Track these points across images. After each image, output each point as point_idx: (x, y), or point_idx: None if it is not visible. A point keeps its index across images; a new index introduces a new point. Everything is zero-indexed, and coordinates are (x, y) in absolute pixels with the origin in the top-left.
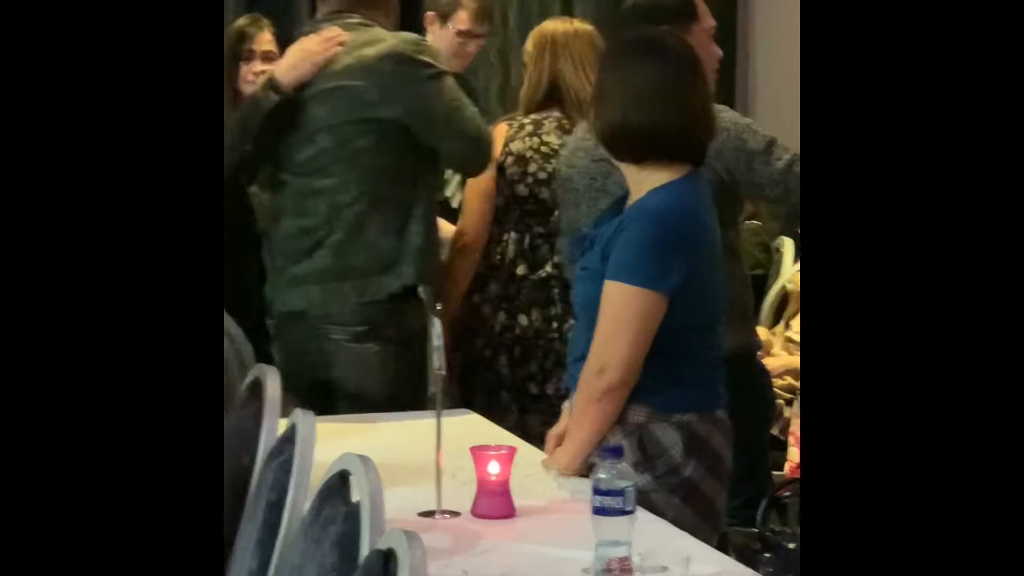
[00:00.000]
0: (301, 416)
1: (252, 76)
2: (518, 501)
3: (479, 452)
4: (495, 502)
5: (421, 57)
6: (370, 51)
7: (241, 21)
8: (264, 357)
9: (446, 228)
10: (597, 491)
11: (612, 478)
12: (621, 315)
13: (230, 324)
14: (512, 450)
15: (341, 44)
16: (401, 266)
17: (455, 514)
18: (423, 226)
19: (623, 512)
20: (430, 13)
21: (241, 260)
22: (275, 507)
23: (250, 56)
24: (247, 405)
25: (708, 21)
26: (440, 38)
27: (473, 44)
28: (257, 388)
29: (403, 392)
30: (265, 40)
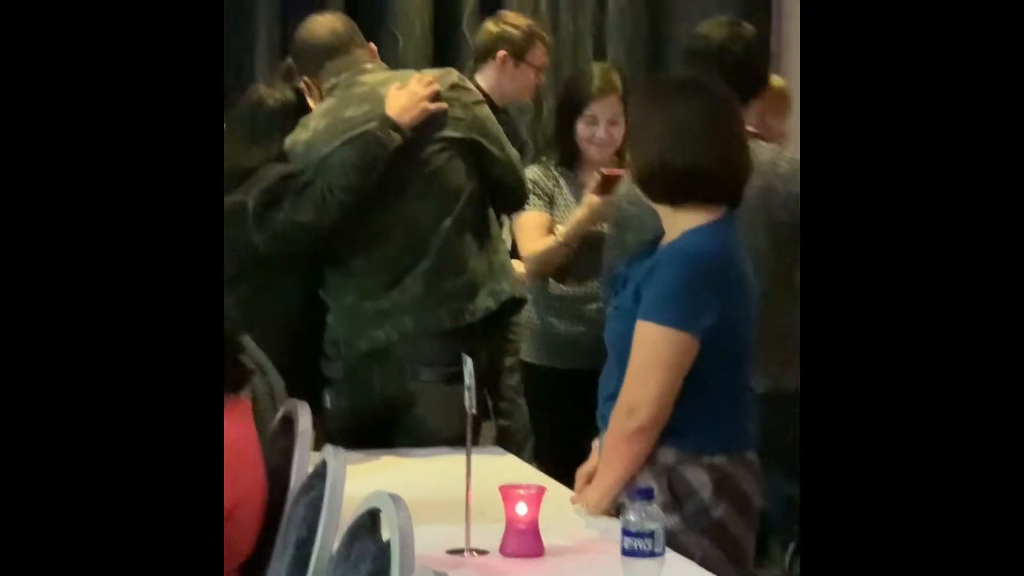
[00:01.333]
0: (332, 453)
1: None
2: (547, 540)
3: (508, 491)
4: (524, 541)
5: (468, 85)
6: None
7: (289, 60)
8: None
9: None
10: (627, 533)
11: (642, 520)
12: (653, 355)
13: (261, 357)
14: (541, 489)
15: (436, 87)
16: (492, 284)
17: (483, 552)
18: (501, 243)
19: (652, 554)
20: (502, 52)
21: (278, 295)
22: (305, 544)
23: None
24: (278, 440)
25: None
26: (512, 76)
27: (540, 76)
28: (288, 423)
29: (475, 428)
30: None
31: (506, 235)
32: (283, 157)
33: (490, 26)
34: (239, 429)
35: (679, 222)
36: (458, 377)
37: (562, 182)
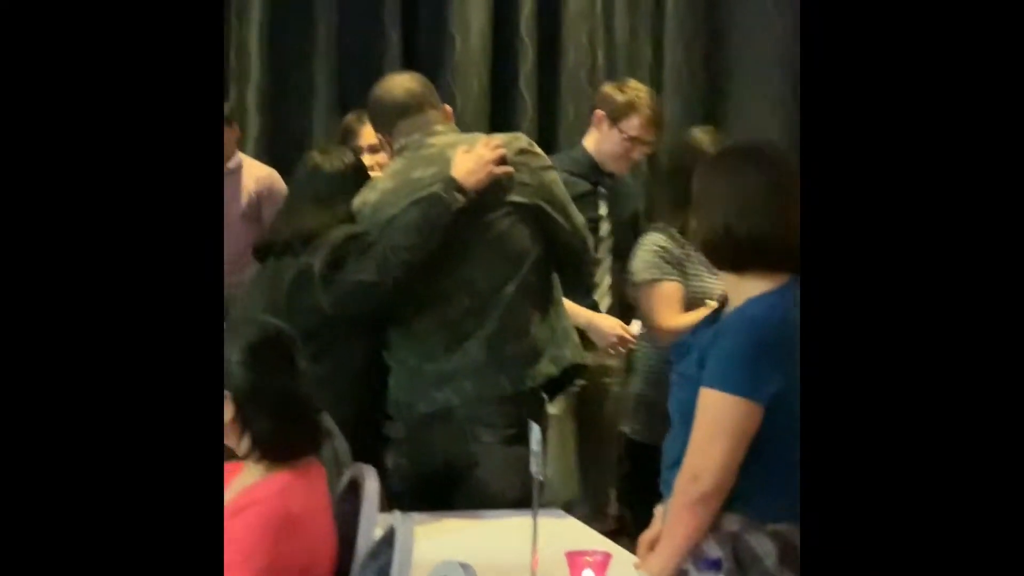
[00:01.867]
0: (400, 520)
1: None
2: None
3: (574, 557)
4: None
5: (536, 150)
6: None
7: (349, 117)
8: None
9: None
10: None
11: None
12: (717, 423)
13: (328, 422)
14: (607, 556)
15: (503, 151)
16: (554, 349)
17: None
18: (563, 308)
19: None
20: (600, 112)
21: (343, 356)
22: None
23: (359, 150)
24: (344, 504)
25: None
26: (606, 139)
27: (639, 151)
28: (354, 487)
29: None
30: (369, 134)
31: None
32: (351, 218)
33: (602, 88)
34: (315, 495)
35: (743, 289)
36: (518, 439)
37: (689, 249)
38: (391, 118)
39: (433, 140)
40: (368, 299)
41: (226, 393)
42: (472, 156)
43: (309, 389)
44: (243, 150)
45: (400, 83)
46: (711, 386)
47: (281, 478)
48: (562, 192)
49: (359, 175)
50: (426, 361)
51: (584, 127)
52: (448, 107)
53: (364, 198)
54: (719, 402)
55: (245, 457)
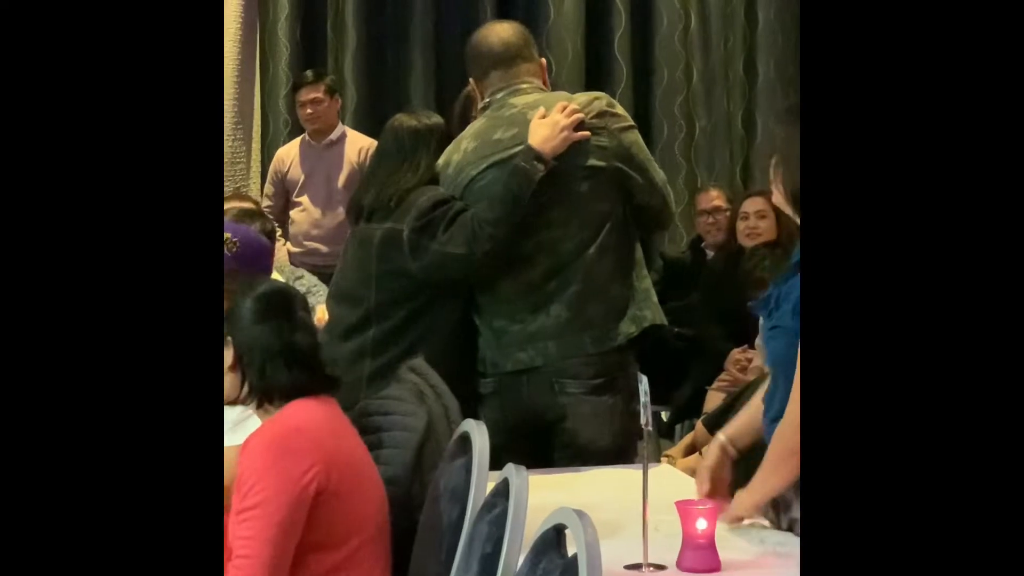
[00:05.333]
0: (514, 471)
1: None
2: (721, 555)
3: (685, 507)
4: (702, 556)
5: (618, 110)
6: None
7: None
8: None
9: None
10: None
11: None
12: None
13: (436, 379)
14: (717, 504)
15: (580, 116)
16: (635, 310)
17: (661, 568)
18: (644, 269)
19: None
20: None
21: (436, 319)
22: (490, 559)
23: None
24: (454, 459)
25: None
26: None
27: None
28: (465, 443)
29: (627, 443)
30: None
31: None
32: (435, 178)
33: None
34: (324, 415)
35: None
36: (604, 389)
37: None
38: (485, 67)
39: (515, 100)
40: (457, 269)
41: (227, 339)
42: (547, 123)
43: (310, 340)
44: (342, 121)
45: (498, 33)
46: None
47: (283, 409)
48: (642, 151)
49: (442, 134)
50: (510, 323)
51: (677, 90)
52: (544, 60)
53: (448, 157)
54: None
55: (244, 401)
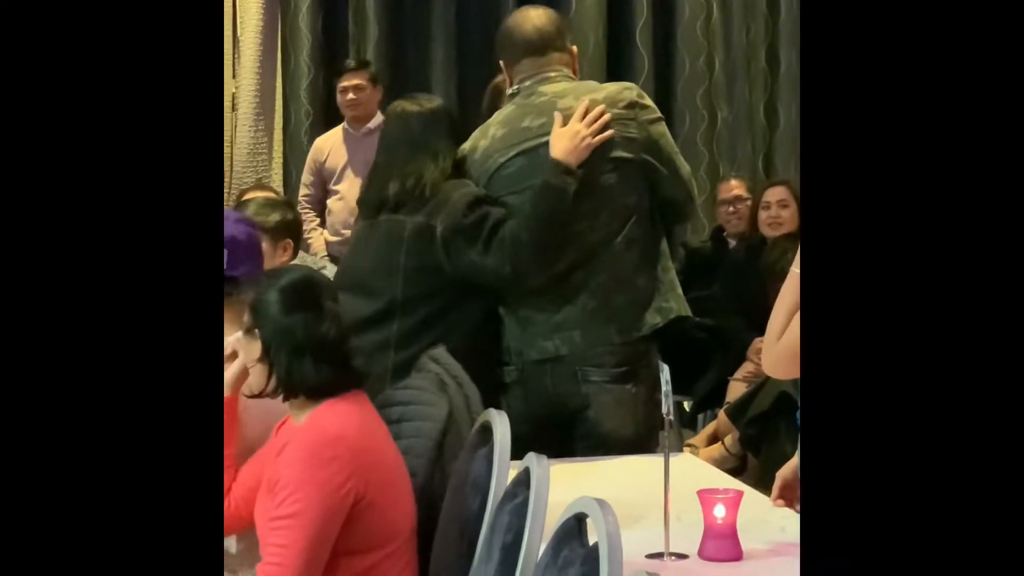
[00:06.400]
0: (535, 460)
1: None
2: (743, 544)
3: (707, 495)
4: (723, 545)
5: (647, 102)
6: (598, 96)
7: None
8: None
9: None
10: None
11: None
12: None
13: (457, 369)
14: (739, 494)
15: (605, 121)
16: (660, 301)
17: (682, 556)
18: (669, 260)
19: None
20: None
21: (465, 311)
22: (511, 549)
23: None
24: (476, 449)
25: None
26: None
27: None
28: (486, 432)
29: (650, 432)
30: None
31: None
32: (455, 166)
33: None
34: (356, 417)
35: None
36: (627, 378)
37: None
38: (516, 54)
39: (544, 88)
40: (492, 280)
41: (256, 332)
42: (568, 133)
43: (338, 331)
44: None
45: (533, 20)
46: None
47: (317, 411)
48: (669, 144)
49: (448, 116)
50: (537, 312)
51: (699, 80)
52: (575, 48)
53: (475, 143)
54: None
55: (272, 395)
